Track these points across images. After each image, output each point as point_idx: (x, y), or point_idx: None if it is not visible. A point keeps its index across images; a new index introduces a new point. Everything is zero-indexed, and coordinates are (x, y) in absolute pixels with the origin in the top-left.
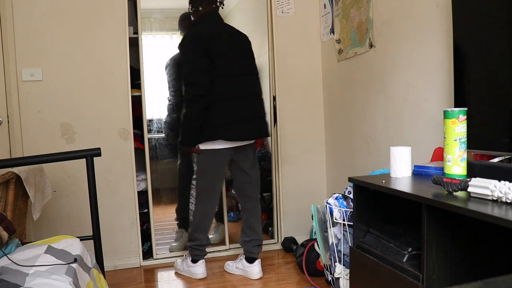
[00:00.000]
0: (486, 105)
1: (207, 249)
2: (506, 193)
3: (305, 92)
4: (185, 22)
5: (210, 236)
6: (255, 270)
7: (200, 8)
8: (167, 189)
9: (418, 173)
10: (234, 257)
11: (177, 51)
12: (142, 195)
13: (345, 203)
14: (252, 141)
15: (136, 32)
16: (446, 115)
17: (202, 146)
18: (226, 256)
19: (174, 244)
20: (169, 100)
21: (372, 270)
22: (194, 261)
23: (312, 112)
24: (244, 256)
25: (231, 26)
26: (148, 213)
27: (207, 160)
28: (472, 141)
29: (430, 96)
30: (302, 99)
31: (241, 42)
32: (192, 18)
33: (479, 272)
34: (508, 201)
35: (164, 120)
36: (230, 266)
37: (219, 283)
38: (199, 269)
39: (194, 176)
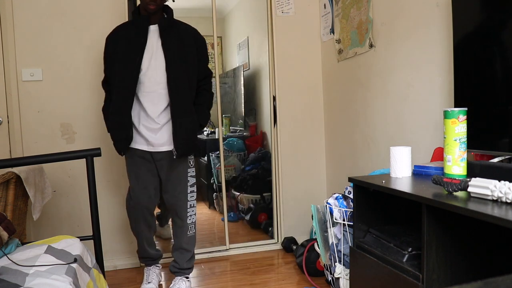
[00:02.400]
0: (486, 105)
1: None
2: (506, 193)
3: (305, 92)
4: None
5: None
6: None
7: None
8: None
9: (418, 173)
10: (234, 257)
11: None
12: None
13: (345, 203)
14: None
15: None
16: (446, 115)
17: None
18: (226, 256)
19: None
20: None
21: (372, 270)
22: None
23: (312, 112)
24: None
25: None
26: None
27: None
28: (472, 141)
29: (430, 96)
30: (302, 99)
31: None
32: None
33: (479, 272)
34: (508, 201)
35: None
36: None
37: (219, 283)
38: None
39: (193, 182)
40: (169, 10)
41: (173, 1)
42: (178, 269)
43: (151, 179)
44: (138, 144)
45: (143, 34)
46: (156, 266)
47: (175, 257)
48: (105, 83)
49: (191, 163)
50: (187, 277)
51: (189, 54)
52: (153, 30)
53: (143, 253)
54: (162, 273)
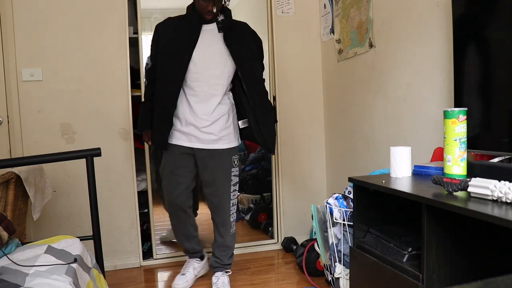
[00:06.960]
0: (486, 105)
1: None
2: (506, 193)
3: (305, 92)
4: None
5: (164, 234)
6: None
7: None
8: None
9: (418, 173)
10: (236, 257)
11: None
12: (142, 195)
13: (345, 203)
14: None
15: (136, 32)
16: (446, 115)
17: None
18: None
19: (165, 235)
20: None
21: (372, 270)
22: None
23: (312, 112)
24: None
25: None
26: (148, 213)
27: None
28: (472, 141)
29: (430, 96)
30: (302, 99)
31: None
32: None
33: (479, 272)
34: (508, 201)
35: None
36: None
37: None
38: None
39: (236, 181)
40: (226, 10)
41: (228, 2)
42: (221, 265)
43: (185, 175)
44: (180, 140)
45: (195, 32)
46: (197, 260)
47: (218, 254)
48: (151, 71)
49: (235, 162)
50: (227, 272)
51: (251, 50)
52: (208, 30)
53: (180, 242)
54: (202, 270)
